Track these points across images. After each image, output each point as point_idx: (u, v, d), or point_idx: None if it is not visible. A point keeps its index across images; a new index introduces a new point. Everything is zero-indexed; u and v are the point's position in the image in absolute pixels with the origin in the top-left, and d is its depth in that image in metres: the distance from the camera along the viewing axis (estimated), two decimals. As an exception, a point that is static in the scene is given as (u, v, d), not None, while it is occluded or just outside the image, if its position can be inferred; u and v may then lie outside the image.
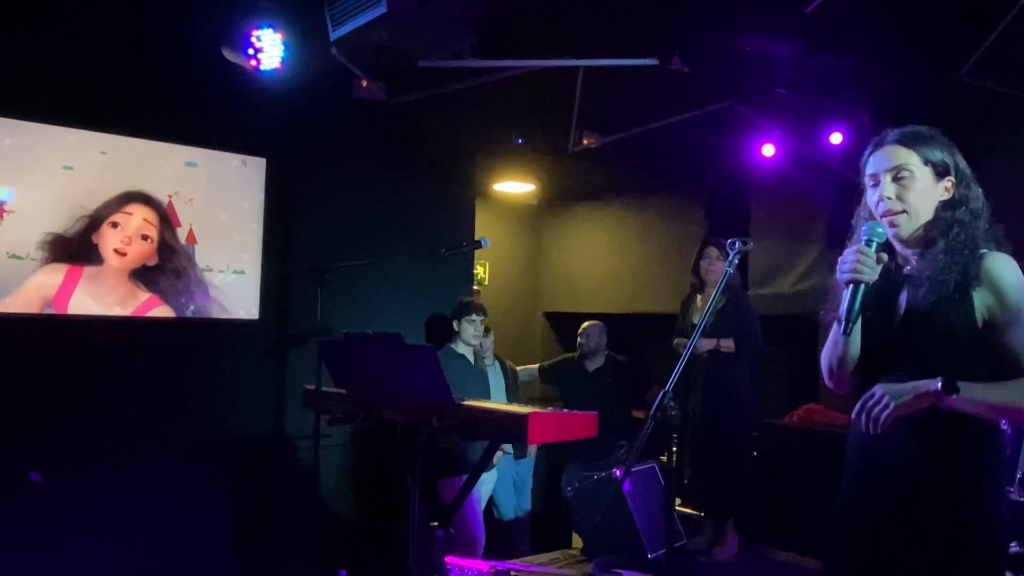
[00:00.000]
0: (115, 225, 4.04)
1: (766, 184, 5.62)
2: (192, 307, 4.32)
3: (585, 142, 5.27)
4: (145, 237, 4.14)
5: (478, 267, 6.86)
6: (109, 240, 4.06)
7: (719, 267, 4.48)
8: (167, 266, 4.23)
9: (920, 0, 3.61)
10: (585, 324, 5.26)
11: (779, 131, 5.18)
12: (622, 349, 5.41)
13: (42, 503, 3.71)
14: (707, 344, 4.43)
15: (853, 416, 1.82)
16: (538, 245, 7.79)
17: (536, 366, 5.47)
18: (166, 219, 4.23)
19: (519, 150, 5.54)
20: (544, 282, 7.75)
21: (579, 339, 5.24)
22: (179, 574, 4.03)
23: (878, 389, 1.77)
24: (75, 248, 3.99)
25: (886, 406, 1.74)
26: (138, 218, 4.11)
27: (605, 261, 7.11)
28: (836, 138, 4.90)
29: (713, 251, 4.54)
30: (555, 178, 6.65)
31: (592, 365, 5.20)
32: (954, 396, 1.70)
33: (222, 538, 4.25)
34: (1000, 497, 1.82)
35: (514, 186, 6.89)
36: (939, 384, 1.71)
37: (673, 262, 6.16)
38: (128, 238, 4.07)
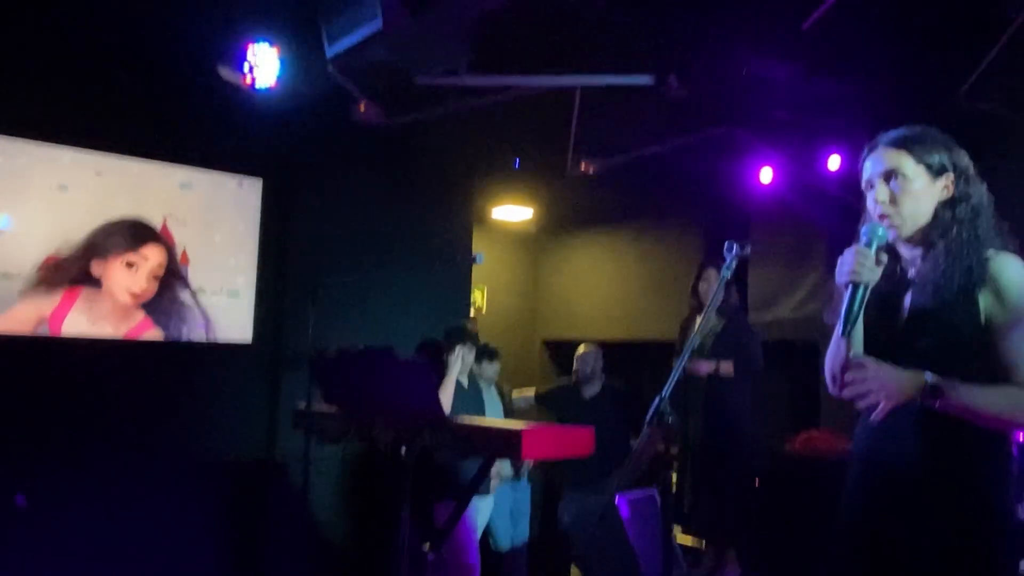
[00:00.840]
0: (130, 265, 4.02)
1: (765, 209, 5.60)
2: (185, 330, 4.27)
3: (582, 167, 5.26)
4: (156, 277, 4.14)
5: (476, 293, 6.82)
6: (121, 279, 4.03)
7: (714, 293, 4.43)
8: (166, 294, 4.21)
9: (915, 22, 3.62)
10: (580, 349, 5.20)
11: (777, 156, 5.18)
12: (621, 377, 5.34)
13: (31, 525, 3.64)
14: (706, 367, 4.37)
15: (847, 393, 1.76)
16: (536, 272, 7.77)
17: (532, 392, 5.39)
18: (172, 255, 4.24)
19: (517, 174, 5.54)
20: (542, 309, 7.71)
21: (575, 364, 5.17)
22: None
23: (871, 367, 1.72)
24: (73, 273, 3.96)
25: (871, 394, 1.70)
26: (154, 262, 4.11)
27: (604, 288, 7.08)
28: (834, 162, 4.88)
29: (712, 272, 4.50)
30: (553, 204, 6.65)
31: (589, 391, 5.12)
32: (936, 402, 1.68)
33: (213, 561, 4.16)
34: (1008, 496, 1.76)
35: (512, 212, 6.89)
36: (927, 381, 1.68)
37: (672, 288, 6.12)
38: (144, 282, 4.05)
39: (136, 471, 3.93)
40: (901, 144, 1.85)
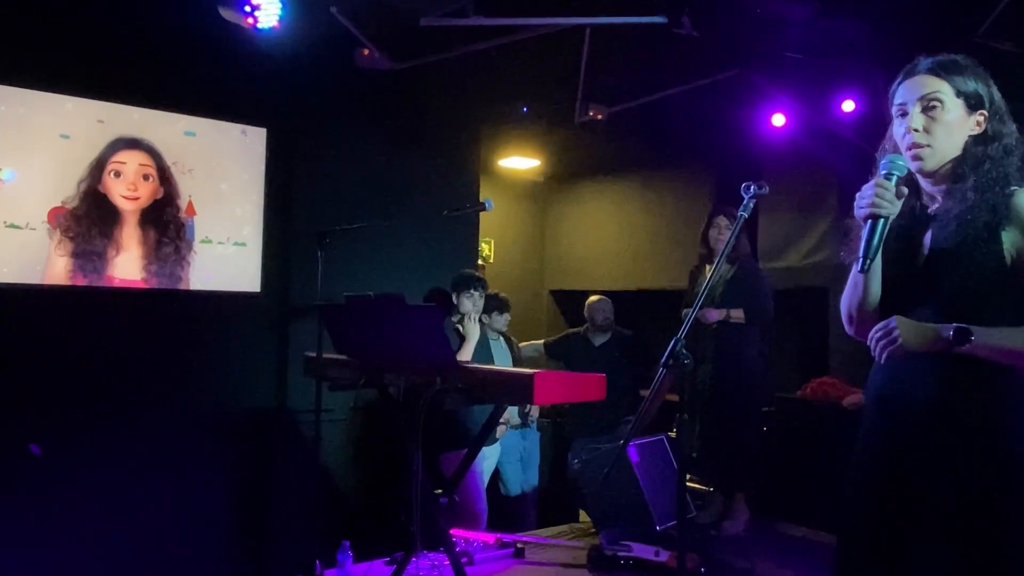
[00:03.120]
0: (117, 175, 4.09)
1: (777, 155, 5.53)
2: (193, 280, 4.25)
3: (591, 113, 5.17)
4: (147, 177, 4.16)
5: (483, 244, 6.78)
6: (116, 189, 4.10)
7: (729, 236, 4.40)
8: (172, 215, 4.20)
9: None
10: (594, 299, 5.18)
11: (790, 99, 5.08)
12: (630, 326, 5.34)
13: (43, 476, 3.67)
14: (716, 315, 4.35)
15: (868, 341, 1.75)
16: (544, 222, 7.72)
17: (541, 342, 5.40)
18: (158, 155, 4.19)
19: (524, 121, 5.45)
20: (550, 259, 7.68)
21: (587, 313, 5.16)
22: (182, 546, 3.99)
23: (892, 322, 1.71)
24: (91, 214, 3.98)
25: (893, 341, 1.69)
26: (134, 164, 4.13)
27: (612, 237, 7.04)
28: (848, 106, 4.80)
29: (723, 220, 4.45)
30: (560, 153, 6.57)
31: (599, 340, 5.13)
32: (966, 345, 1.65)
33: (225, 510, 4.21)
34: None
35: (519, 162, 6.82)
36: (951, 332, 1.65)
37: (681, 237, 6.08)
38: (132, 184, 4.12)
39: (146, 420, 3.95)
40: (942, 72, 1.79)
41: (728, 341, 4.39)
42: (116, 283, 4.06)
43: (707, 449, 4.46)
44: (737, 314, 4.35)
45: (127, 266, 4.11)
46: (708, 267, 4.59)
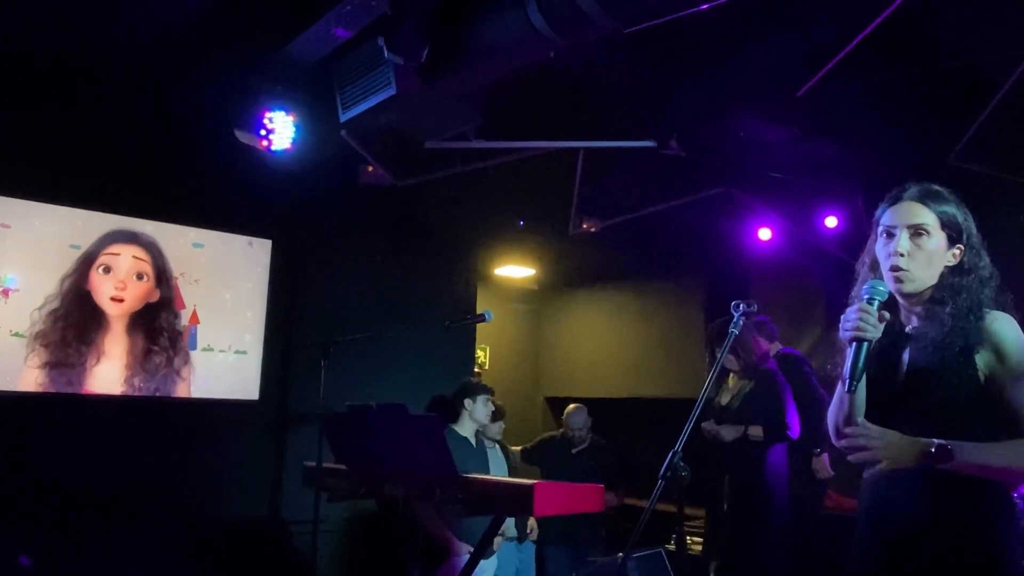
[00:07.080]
0: (107, 270, 3.87)
1: (765, 267, 5.69)
2: (191, 388, 4.29)
3: (585, 226, 5.37)
4: (140, 276, 3.98)
5: (479, 351, 6.86)
6: (103, 288, 3.90)
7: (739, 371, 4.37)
8: (168, 322, 4.15)
9: (907, 87, 3.76)
10: (571, 408, 5.25)
11: (775, 215, 5.29)
12: (624, 434, 5.37)
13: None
14: (734, 432, 4.23)
15: (845, 444, 1.82)
16: (538, 329, 7.82)
17: (519, 448, 5.40)
18: (158, 254, 4.10)
19: (520, 233, 5.64)
20: (544, 366, 7.73)
21: (566, 421, 5.23)
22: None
23: (875, 431, 1.79)
24: (70, 316, 3.86)
25: (872, 456, 1.77)
26: (127, 257, 3.96)
27: (605, 345, 7.12)
28: (831, 222, 5.00)
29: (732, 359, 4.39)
30: (555, 262, 6.74)
31: (577, 446, 5.18)
32: (947, 463, 1.73)
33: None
34: (1014, 548, 1.78)
35: (515, 270, 6.98)
36: (932, 450, 1.73)
37: (673, 346, 6.17)
38: (122, 282, 3.89)
39: (142, 527, 3.90)
40: (929, 203, 1.90)
41: (747, 455, 4.24)
42: (93, 394, 3.81)
43: (729, 563, 4.31)
44: (755, 431, 4.18)
45: (107, 376, 3.90)
46: (730, 376, 4.48)
